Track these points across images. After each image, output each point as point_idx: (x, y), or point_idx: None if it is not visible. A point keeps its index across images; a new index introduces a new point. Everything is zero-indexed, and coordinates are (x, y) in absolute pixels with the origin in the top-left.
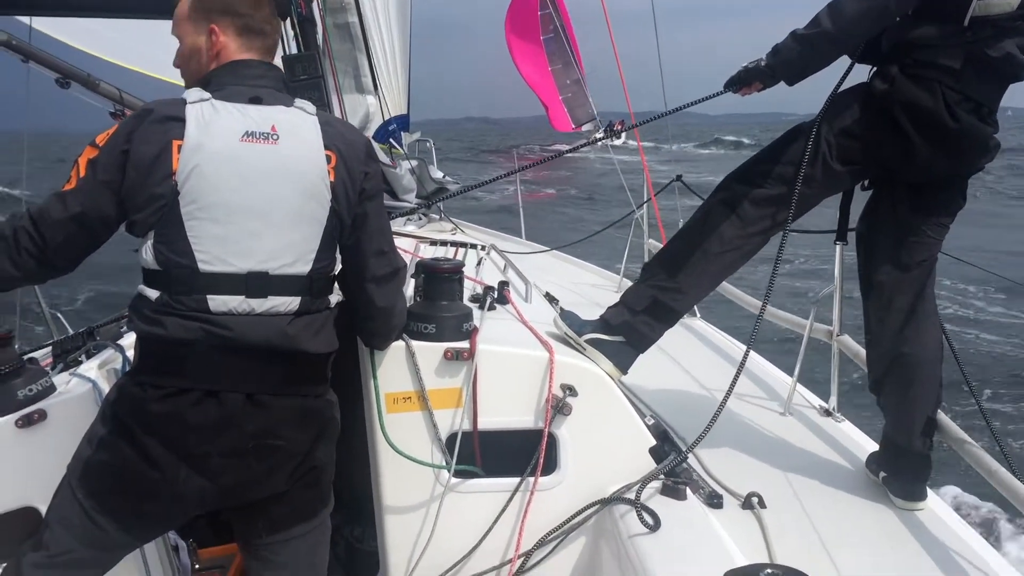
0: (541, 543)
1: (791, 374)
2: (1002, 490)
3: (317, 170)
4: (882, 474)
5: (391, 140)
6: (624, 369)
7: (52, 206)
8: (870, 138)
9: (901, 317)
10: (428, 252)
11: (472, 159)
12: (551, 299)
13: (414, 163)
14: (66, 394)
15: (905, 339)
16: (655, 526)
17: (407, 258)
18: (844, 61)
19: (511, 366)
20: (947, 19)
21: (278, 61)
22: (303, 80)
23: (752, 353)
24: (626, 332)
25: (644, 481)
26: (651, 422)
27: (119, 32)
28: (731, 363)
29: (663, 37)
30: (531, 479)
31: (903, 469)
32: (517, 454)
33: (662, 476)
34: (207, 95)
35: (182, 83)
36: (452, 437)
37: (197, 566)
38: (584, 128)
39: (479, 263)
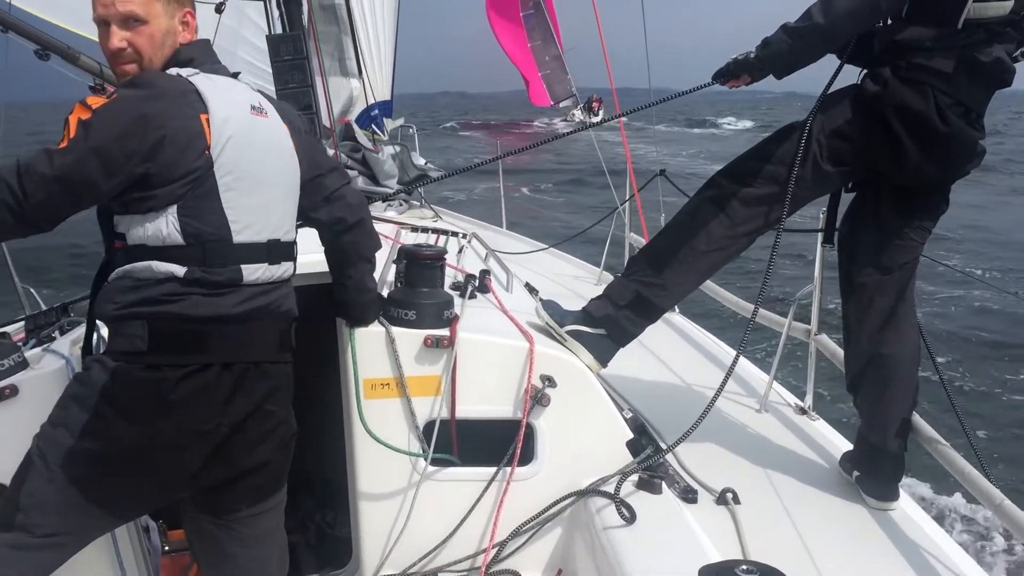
0: (516, 533)
1: (768, 372)
2: (973, 491)
3: (289, 143)
4: (855, 473)
5: (373, 126)
6: (604, 362)
7: (39, 162)
8: (861, 140)
9: (880, 318)
10: (409, 239)
11: (449, 133)
12: (531, 290)
13: (397, 148)
14: (39, 369)
15: (883, 340)
16: (631, 519)
17: (387, 244)
18: (834, 60)
19: (491, 355)
20: (940, 22)
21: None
22: (287, 60)
23: (729, 349)
24: (608, 326)
25: (622, 474)
26: (629, 415)
27: None
28: (709, 358)
29: (650, 11)
30: (508, 469)
31: (877, 469)
32: (494, 444)
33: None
34: (195, 71)
35: None
36: (430, 425)
37: (167, 547)
38: (562, 105)
39: (460, 251)
